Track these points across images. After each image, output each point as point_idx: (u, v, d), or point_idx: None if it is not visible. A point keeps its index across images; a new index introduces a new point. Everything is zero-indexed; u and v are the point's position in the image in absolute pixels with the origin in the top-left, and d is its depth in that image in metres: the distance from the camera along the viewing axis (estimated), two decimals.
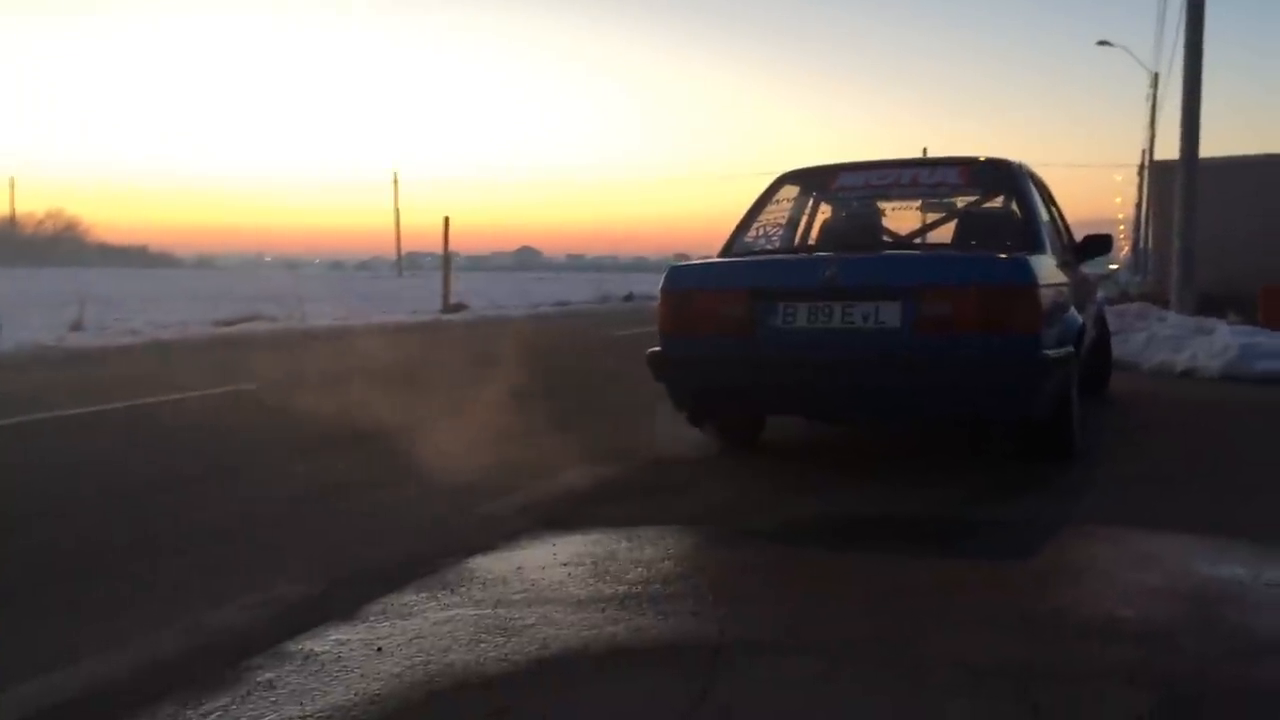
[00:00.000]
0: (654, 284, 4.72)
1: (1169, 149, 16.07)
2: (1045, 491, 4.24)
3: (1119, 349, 8.83)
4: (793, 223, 5.68)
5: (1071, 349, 4.54)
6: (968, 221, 5.50)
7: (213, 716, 2.17)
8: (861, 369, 4.21)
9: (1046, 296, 4.25)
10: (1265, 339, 9.08)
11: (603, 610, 2.78)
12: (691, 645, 2.50)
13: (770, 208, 5.48)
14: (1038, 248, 4.66)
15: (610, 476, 4.53)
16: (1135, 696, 2.20)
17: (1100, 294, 7.72)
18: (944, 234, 5.69)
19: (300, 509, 4.09)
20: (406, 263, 67.36)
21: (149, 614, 2.84)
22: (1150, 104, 33.34)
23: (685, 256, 5.83)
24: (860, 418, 5.02)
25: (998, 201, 5.64)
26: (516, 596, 2.92)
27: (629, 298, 25.52)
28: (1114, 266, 38.89)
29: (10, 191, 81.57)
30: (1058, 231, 5.71)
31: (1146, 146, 34.21)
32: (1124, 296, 16.80)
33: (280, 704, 2.22)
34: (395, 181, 66.62)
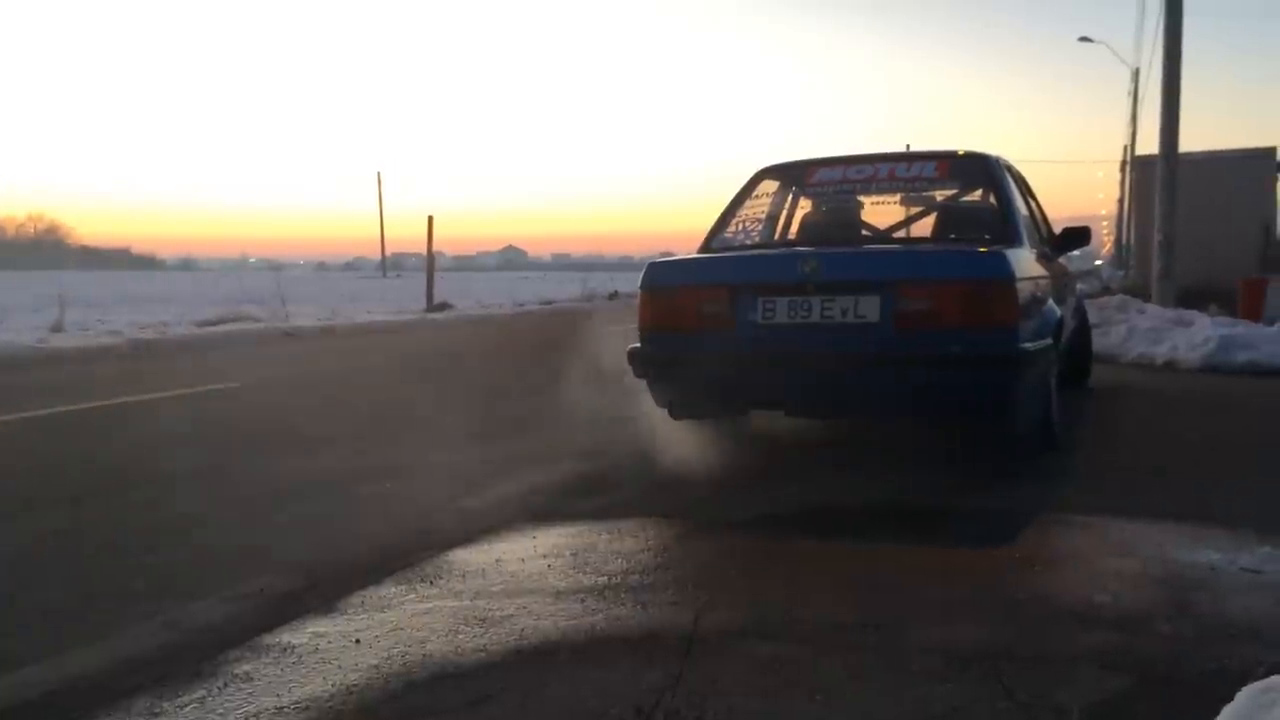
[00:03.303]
0: (638, 282, 4.72)
1: (1150, 144, 16.13)
2: (1024, 481, 4.27)
3: (1099, 342, 8.88)
4: (771, 218, 5.69)
5: (1050, 341, 4.56)
6: (946, 215, 5.51)
7: (189, 709, 2.17)
8: (841, 363, 4.22)
9: (1024, 289, 4.26)
10: (1245, 330, 9.14)
11: (582, 601, 2.79)
12: (668, 633, 2.51)
13: (749, 203, 5.49)
14: (1015, 241, 4.68)
15: (591, 470, 4.54)
16: (1110, 679, 2.22)
17: (1080, 287, 7.76)
18: (923, 228, 5.70)
19: (278, 505, 4.08)
20: (391, 264, 67.25)
21: (125, 609, 2.84)
22: (1131, 99, 33.50)
23: (670, 254, 5.83)
24: (840, 412, 5.02)
25: (976, 195, 5.66)
26: (495, 588, 2.92)
27: (614, 295, 25.57)
28: (1098, 262, 39.13)
29: None
30: (1036, 225, 5.74)
31: (1128, 142, 34.39)
32: (1106, 291, 16.88)
33: (257, 695, 2.22)
34: (379, 182, 66.47)
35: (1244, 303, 11.96)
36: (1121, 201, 36.79)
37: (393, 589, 2.94)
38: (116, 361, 10.20)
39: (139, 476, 4.61)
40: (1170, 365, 8.71)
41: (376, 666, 2.37)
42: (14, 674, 2.40)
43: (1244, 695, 1.88)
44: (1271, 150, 17.73)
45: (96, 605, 2.90)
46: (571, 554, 3.25)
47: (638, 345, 4.66)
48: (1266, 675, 2.01)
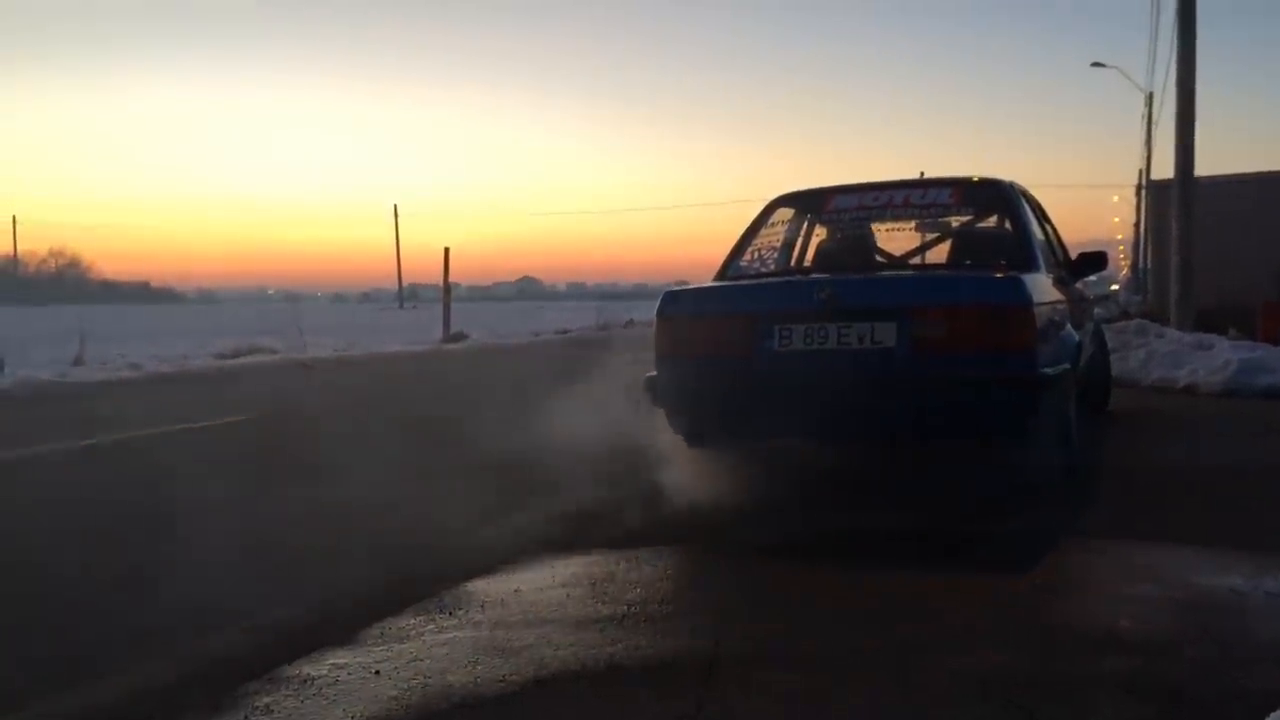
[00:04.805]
0: (654, 310, 4.73)
1: (1165, 168, 16.09)
2: (1044, 506, 4.24)
3: (1119, 366, 8.83)
4: (787, 245, 5.70)
5: (1068, 366, 4.54)
6: (962, 241, 5.52)
7: None
8: (858, 389, 4.21)
9: (1041, 314, 4.25)
10: (1265, 354, 9.07)
11: (601, 630, 2.78)
12: (688, 662, 2.50)
13: (765, 231, 5.50)
14: (1032, 266, 4.67)
15: (608, 498, 4.53)
16: (1133, 705, 2.20)
17: (1098, 312, 7.73)
18: (939, 254, 5.70)
19: (296, 535, 4.09)
20: (408, 294, 67.50)
21: (144, 641, 2.85)
22: (1146, 123, 33.48)
23: (686, 283, 5.84)
24: (858, 439, 5.00)
25: (991, 221, 5.65)
26: (515, 618, 2.92)
27: (629, 324, 25.62)
28: (1114, 287, 38.98)
29: (13, 230, 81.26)
30: (1052, 249, 5.73)
31: (1143, 166, 34.36)
32: (1124, 315, 16.81)
33: None
34: (395, 213, 66.90)
35: (1264, 326, 11.88)
36: (1138, 226, 36.75)
37: (412, 619, 2.93)
38: (136, 394, 10.26)
39: (156, 509, 4.63)
40: (1190, 389, 8.64)
41: (396, 698, 2.36)
42: (33, 706, 2.41)
43: None
44: None
45: (114, 638, 2.91)
46: (590, 583, 3.24)
47: (654, 373, 4.66)
48: None
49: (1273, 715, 1.89)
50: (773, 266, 5.44)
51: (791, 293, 4.60)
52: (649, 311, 4.91)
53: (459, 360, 15.40)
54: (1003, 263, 4.76)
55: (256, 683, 2.48)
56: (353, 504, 4.61)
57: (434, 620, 2.92)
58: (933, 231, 5.88)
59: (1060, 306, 4.84)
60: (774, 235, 5.60)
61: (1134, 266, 38.69)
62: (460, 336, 19.58)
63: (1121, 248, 51.61)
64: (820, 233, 5.97)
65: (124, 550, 3.95)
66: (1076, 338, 4.97)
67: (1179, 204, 12.69)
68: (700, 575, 3.43)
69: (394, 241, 65.98)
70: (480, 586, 3.25)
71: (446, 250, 20.06)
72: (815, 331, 4.25)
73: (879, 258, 5.57)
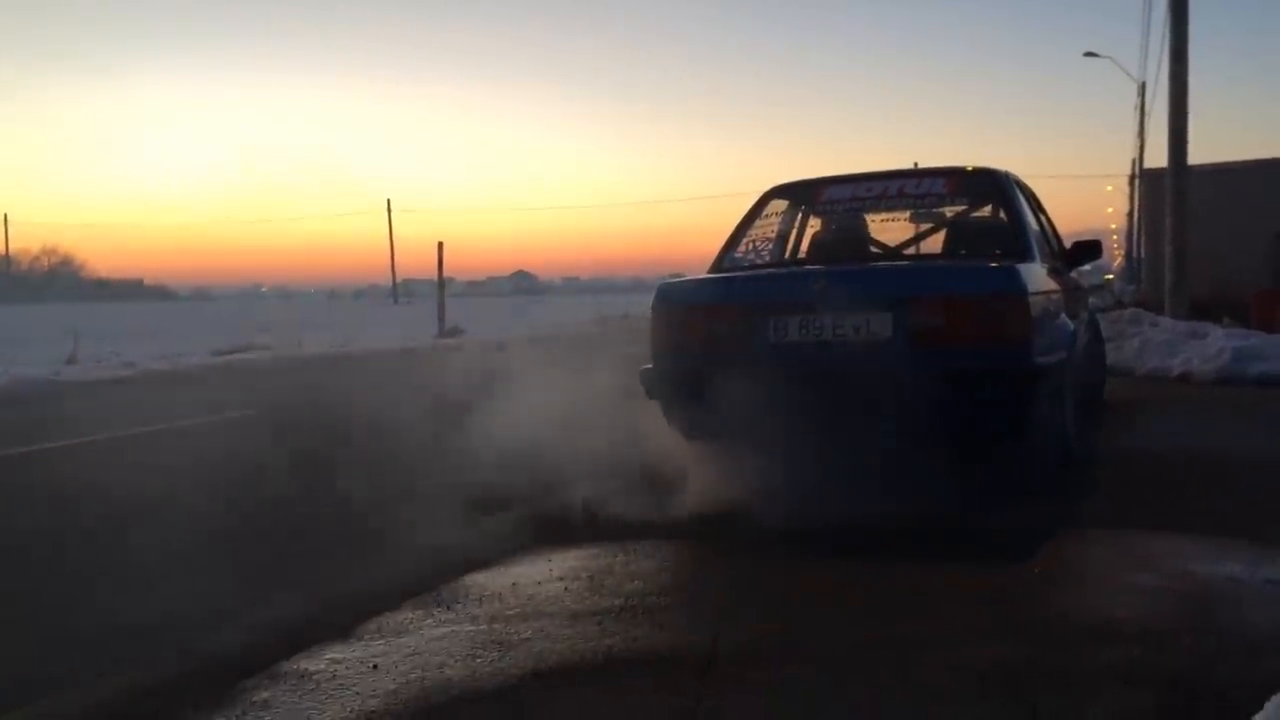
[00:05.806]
0: (649, 304, 4.72)
1: (1158, 157, 16.10)
2: (1042, 497, 4.24)
3: (1113, 355, 8.85)
4: (782, 237, 5.69)
5: (1064, 355, 4.54)
6: (956, 231, 5.51)
7: None
8: (854, 381, 4.20)
9: (1036, 304, 4.25)
10: (1259, 342, 9.10)
11: (599, 623, 2.78)
12: (686, 656, 2.50)
13: (759, 223, 5.49)
14: (1026, 255, 4.67)
15: (605, 492, 4.52)
16: (1133, 695, 2.20)
17: (1092, 301, 7.72)
18: (933, 244, 5.70)
19: (296, 531, 4.09)
20: (402, 290, 67.39)
21: (143, 638, 2.84)
22: (1139, 113, 33.53)
23: (681, 276, 5.84)
24: (854, 431, 5.00)
25: (986, 211, 5.65)
26: (512, 611, 2.91)
27: (625, 318, 25.63)
28: (1109, 276, 39.06)
29: (4, 228, 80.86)
30: (1046, 239, 5.72)
31: (1136, 156, 34.43)
32: (1118, 304, 16.83)
33: None
34: (389, 209, 66.89)
35: (1257, 314, 11.91)
36: (1131, 215, 36.78)
37: (409, 614, 2.93)
38: (131, 393, 10.24)
39: (153, 507, 4.61)
40: (1185, 378, 8.66)
41: (395, 692, 2.36)
42: (36, 704, 2.41)
43: (1273, 705, 1.86)
44: None
45: (114, 635, 2.91)
46: (588, 576, 3.24)
47: (649, 366, 4.65)
48: None
49: (1273, 699, 1.89)
50: (768, 258, 5.43)
51: (786, 284, 4.60)
52: (645, 305, 4.90)
53: (453, 356, 15.36)
54: (998, 252, 4.75)
55: (254, 678, 2.48)
56: (348, 499, 4.60)
57: (432, 614, 2.92)
58: (927, 222, 5.87)
59: (1055, 296, 4.83)
60: (768, 226, 5.59)
61: (1128, 256, 38.77)
62: (455, 332, 19.56)
63: (1115, 237, 51.77)
64: (814, 223, 5.96)
65: (122, 547, 3.94)
66: (1071, 327, 4.97)
67: (1172, 193, 12.69)
68: (698, 570, 3.43)
69: (388, 237, 66.00)
70: (478, 580, 3.25)
71: (440, 245, 20.01)
72: (811, 323, 4.25)
73: (873, 248, 5.56)
